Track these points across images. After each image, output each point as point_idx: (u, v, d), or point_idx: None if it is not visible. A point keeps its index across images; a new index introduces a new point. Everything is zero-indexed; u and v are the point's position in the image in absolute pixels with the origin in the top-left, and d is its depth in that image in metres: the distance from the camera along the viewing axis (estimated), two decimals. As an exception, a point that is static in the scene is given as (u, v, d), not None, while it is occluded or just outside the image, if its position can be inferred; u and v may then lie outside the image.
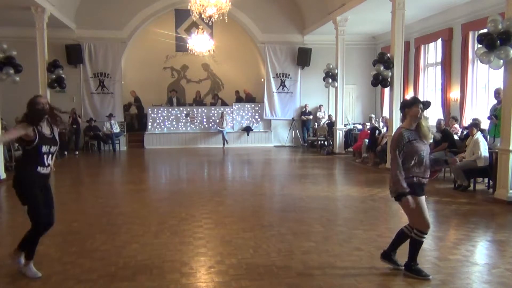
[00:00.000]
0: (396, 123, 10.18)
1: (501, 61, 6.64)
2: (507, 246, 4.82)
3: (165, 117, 15.86)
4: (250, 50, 17.08)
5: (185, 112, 16.06)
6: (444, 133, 9.12)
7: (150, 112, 15.77)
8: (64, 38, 14.34)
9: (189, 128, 16.07)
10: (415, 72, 13.61)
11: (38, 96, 4.01)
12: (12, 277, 3.92)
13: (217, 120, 15.99)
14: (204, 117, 16.14)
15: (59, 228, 5.15)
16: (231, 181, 9.63)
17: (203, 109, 16.28)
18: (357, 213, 6.38)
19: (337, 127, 13.55)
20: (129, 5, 15.01)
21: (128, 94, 16.19)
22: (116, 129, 15.03)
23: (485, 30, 6.96)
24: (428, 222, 3.85)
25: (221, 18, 9.45)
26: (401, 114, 4.00)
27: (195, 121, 16.09)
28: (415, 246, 3.90)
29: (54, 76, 12.02)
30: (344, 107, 14.01)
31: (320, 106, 16.28)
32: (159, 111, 15.84)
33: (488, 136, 8.55)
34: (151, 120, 15.73)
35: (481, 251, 4.81)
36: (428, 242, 5.00)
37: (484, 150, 7.63)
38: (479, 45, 6.93)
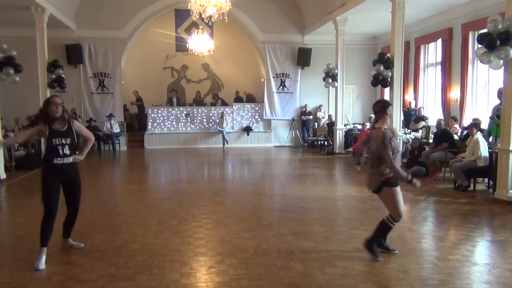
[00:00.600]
0: (396, 123, 10.19)
1: (501, 61, 6.64)
2: (507, 246, 4.82)
3: (165, 117, 15.86)
4: (250, 50, 17.08)
5: (185, 112, 16.06)
6: (444, 133, 9.12)
7: (150, 112, 15.77)
8: (64, 38, 14.33)
9: (189, 128, 16.07)
10: (415, 72, 13.61)
11: (54, 96, 4.43)
12: (12, 277, 3.92)
13: (217, 120, 16.00)
14: (204, 117, 16.15)
15: (59, 228, 5.16)
16: (231, 181, 9.63)
17: (203, 109, 16.28)
18: (357, 213, 6.38)
19: (337, 127, 13.55)
20: (129, 5, 15.01)
21: (128, 94, 16.19)
22: (116, 129, 15.03)
23: (485, 30, 6.95)
24: (402, 213, 4.29)
25: (221, 18, 9.46)
26: (375, 116, 4.39)
27: (195, 121, 16.09)
28: (383, 230, 4.38)
29: (54, 76, 12.01)
30: (344, 107, 14.00)
31: (320, 106, 16.29)
32: (159, 111, 15.85)
33: (489, 137, 8.54)
34: (151, 120, 15.74)
35: (481, 251, 4.81)
36: (428, 242, 5.02)
37: (484, 150, 7.63)
38: (479, 45, 6.93)
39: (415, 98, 13.46)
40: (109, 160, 13.35)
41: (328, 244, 4.82)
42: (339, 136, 13.60)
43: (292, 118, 16.40)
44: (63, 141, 4.30)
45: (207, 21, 11.70)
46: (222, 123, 15.74)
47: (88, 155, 13.92)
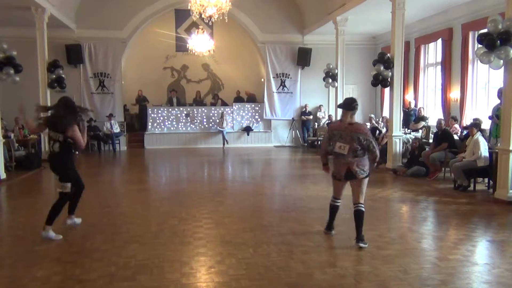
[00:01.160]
0: (396, 123, 10.21)
1: (501, 61, 6.64)
2: (507, 246, 4.82)
3: (165, 117, 15.86)
4: (250, 50, 17.08)
5: (185, 112, 16.06)
6: (444, 133, 9.12)
7: (150, 112, 15.77)
8: (64, 38, 14.33)
9: (189, 128, 16.07)
10: (415, 72, 13.61)
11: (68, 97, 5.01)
12: (12, 277, 3.92)
13: (217, 120, 16.00)
14: (204, 117, 16.14)
15: (59, 228, 5.16)
16: (231, 181, 9.63)
17: (203, 109, 16.28)
18: (357, 213, 6.36)
19: (337, 127, 13.51)
20: (129, 5, 15.01)
21: (128, 94, 16.19)
22: (116, 129, 15.04)
23: (485, 30, 6.95)
24: None
25: (221, 18, 9.46)
26: (351, 112, 4.71)
27: (195, 121, 16.09)
28: (362, 218, 4.75)
29: (54, 76, 12.02)
30: (344, 107, 13.97)
31: (320, 106, 16.28)
32: (159, 111, 15.85)
33: (490, 137, 8.54)
34: (151, 120, 15.74)
35: (481, 251, 4.81)
36: (428, 242, 5.02)
37: (484, 150, 7.63)
38: (479, 45, 6.93)
39: (415, 98, 13.46)
40: (109, 160, 13.35)
41: (328, 244, 4.83)
42: (339, 136, 13.55)
43: (292, 118, 16.40)
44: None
45: (207, 21, 11.72)
46: (222, 123, 15.74)
47: (88, 155, 13.99)
